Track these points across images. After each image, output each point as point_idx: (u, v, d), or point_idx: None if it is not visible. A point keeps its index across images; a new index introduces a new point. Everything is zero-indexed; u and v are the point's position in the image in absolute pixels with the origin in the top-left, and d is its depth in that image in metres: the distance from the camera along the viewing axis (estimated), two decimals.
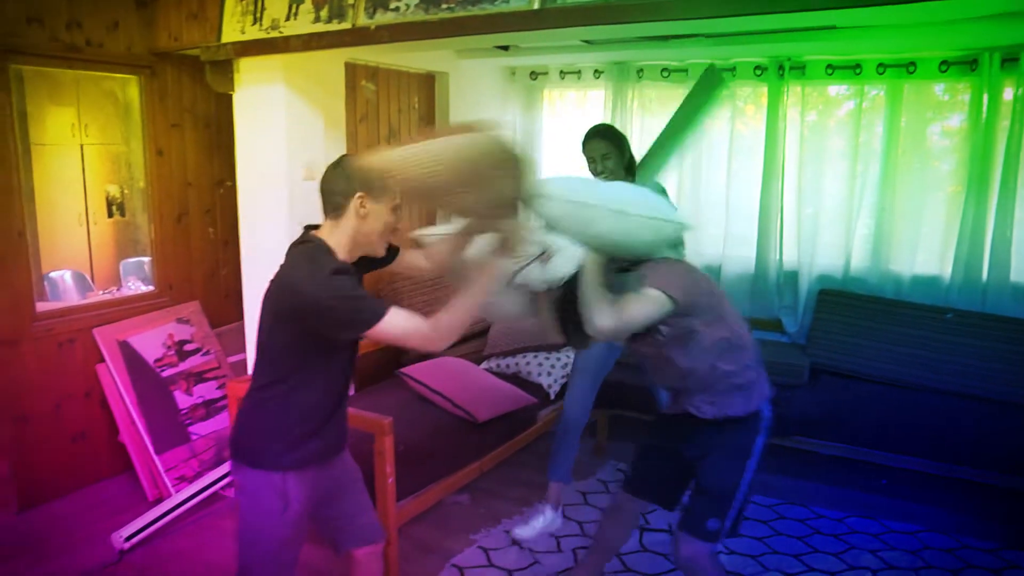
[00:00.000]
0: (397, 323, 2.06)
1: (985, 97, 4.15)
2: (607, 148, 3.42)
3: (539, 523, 3.54)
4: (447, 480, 3.49)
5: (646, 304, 2.33)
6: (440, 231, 2.72)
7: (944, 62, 4.23)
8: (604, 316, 2.32)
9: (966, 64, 4.19)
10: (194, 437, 3.99)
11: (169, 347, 4.09)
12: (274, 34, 3.28)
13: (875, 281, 4.62)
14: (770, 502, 3.95)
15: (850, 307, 4.55)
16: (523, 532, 3.53)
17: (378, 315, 2.03)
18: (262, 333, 2.18)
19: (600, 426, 4.48)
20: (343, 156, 2.22)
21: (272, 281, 2.15)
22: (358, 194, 2.11)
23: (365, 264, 2.29)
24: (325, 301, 2.02)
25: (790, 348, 4.68)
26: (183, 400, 4.03)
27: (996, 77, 4.11)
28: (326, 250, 2.12)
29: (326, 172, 2.18)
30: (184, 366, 4.11)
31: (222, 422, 4.10)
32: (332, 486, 2.35)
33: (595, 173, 3.44)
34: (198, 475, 3.87)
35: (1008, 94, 4.14)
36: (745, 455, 2.49)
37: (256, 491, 2.19)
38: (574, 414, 3.57)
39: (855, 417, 3.93)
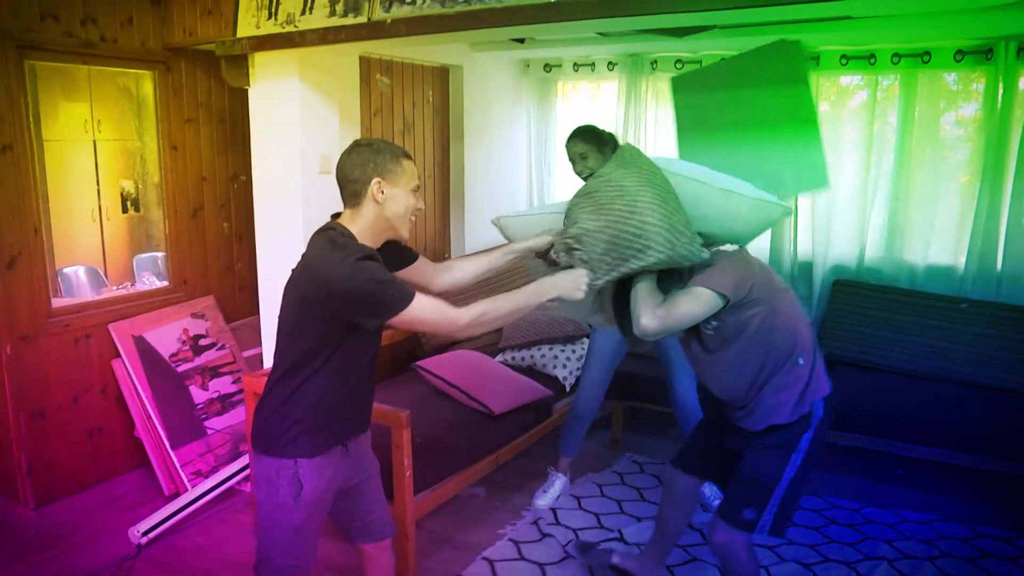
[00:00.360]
0: (426, 308, 2.08)
1: (1000, 86, 4.12)
2: (584, 148, 3.43)
3: (556, 490, 3.81)
4: (464, 473, 3.50)
5: (695, 303, 2.32)
6: (523, 213, 2.80)
7: (959, 51, 4.21)
8: (650, 316, 2.31)
9: (981, 53, 4.17)
10: (210, 432, 4.00)
11: (184, 342, 4.10)
12: (289, 28, 3.27)
13: (889, 271, 4.61)
14: None
15: (864, 297, 4.54)
16: (543, 501, 3.76)
17: (407, 299, 2.04)
18: (284, 321, 2.18)
19: (616, 418, 4.48)
20: (356, 142, 2.21)
21: (296, 268, 2.15)
22: (375, 179, 2.11)
23: (387, 258, 2.28)
24: (354, 285, 2.01)
25: None
26: (198, 395, 4.04)
27: (1012, 66, 4.09)
28: (349, 236, 2.12)
29: (340, 160, 2.18)
30: (199, 361, 4.12)
31: (238, 417, 4.12)
32: (349, 477, 2.34)
33: (577, 173, 3.47)
34: (214, 470, 3.89)
35: (1023, 84, 4.11)
36: (788, 449, 2.45)
37: (270, 478, 2.19)
38: (585, 403, 3.68)
39: (870, 407, 3.92)
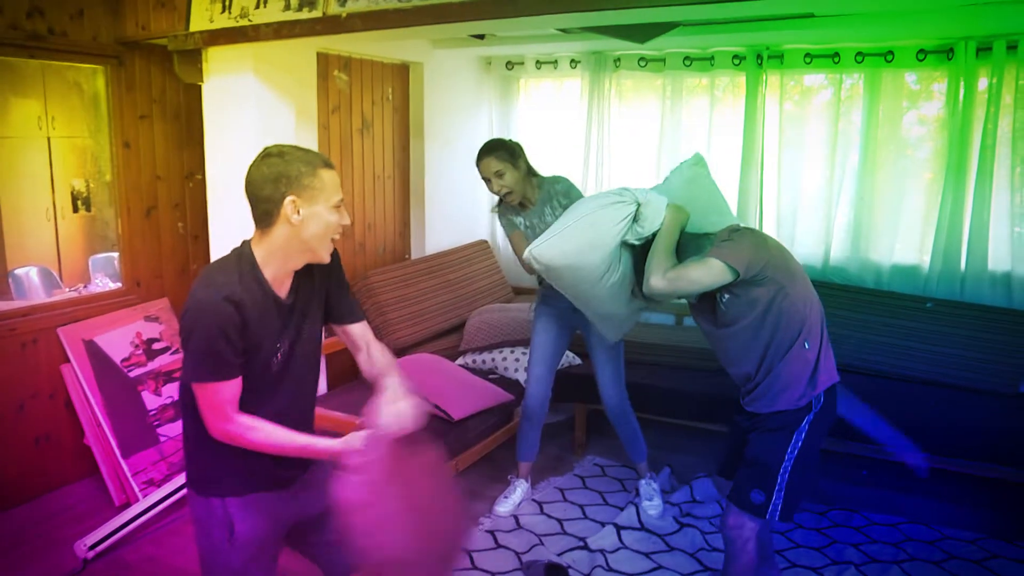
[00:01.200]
0: (214, 395, 1.82)
1: (961, 85, 4.13)
2: (500, 165, 3.39)
3: (517, 496, 3.75)
4: None
5: (705, 271, 2.43)
6: (551, 239, 2.79)
7: (921, 51, 4.22)
8: (659, 276, 2.49)
9: (943, 53, 4.18)
10: (163, 439, 3.88)
11: (137, 346, 3.98)
12: (243, 22, 3.18)
13: (855, 271, 4.60)
14: None
15: (830, 297, 4.47)
16: (503, 508, 3.70)
17: (208, 375, 1.80)
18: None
19: (579, 421, 4.42)
20: (266, 151, 1.89)
21: None
22: (289, 198, 1.82)
23: (330, 307, 2.12)
24: (189, 331, 1.80)
25: None
26: (151, 401, 3.92)
27: (971, 66, 4.10)
28: (247, 263, 1.88)
29: (248, 172, 1.87)
30: (153, 365, 4.00)
31: None
32: (300, 512, 2.13)
33: (495, 192, 3.47)
34: (167, 478, 3.77)
35: (983, 83, 4.12)
36: (790, 430, 2.51)
37: (200, 519, 2.02)
38: (534, 403, 3.65)
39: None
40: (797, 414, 2.52)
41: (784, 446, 2.50)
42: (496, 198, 3.56)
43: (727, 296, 2.51)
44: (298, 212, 1.83)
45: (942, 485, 3.75)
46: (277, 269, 1.91)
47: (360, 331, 2.22)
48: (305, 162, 1.85)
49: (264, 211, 1.85)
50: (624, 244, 2.76)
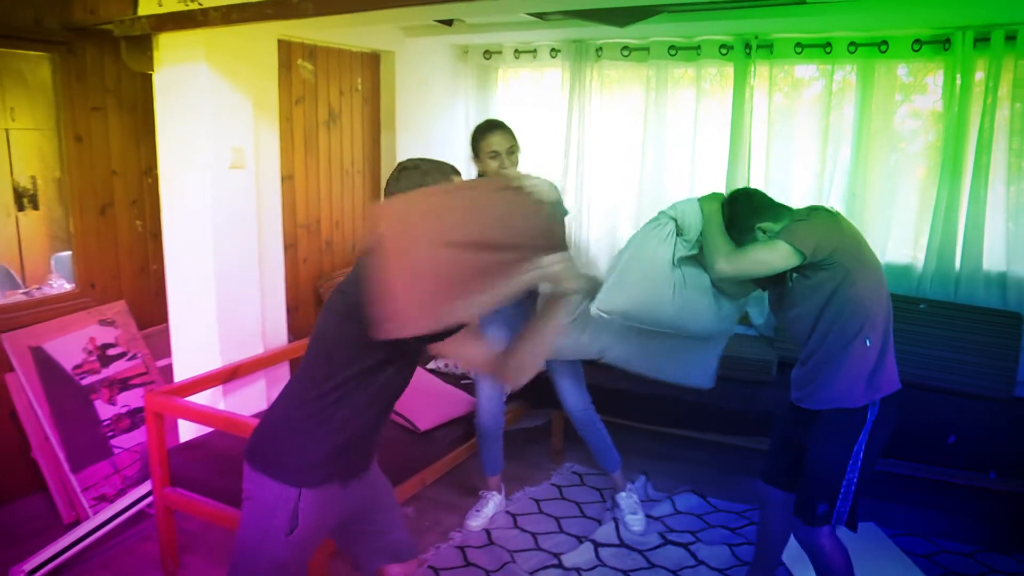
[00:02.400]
0: (472, 340, 2.03)
1: (958, 77, 3.95)
2: (513, 141, 3.20)
3: (489, 510, 3.60)
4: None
5: (771, 253, 2.44)
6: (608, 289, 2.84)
7: (917, 41, 4.04)
8: (724, 260, 2.54)
9: (939, 43, 4.00)
10: (117, 451, 3.67)
11: (90, 352, 3.76)
12: (192, 6, 2.98)
13: None
14: (739, 508, 3.76)
15: None
16: (475, 522, 3.54)
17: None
18: (326, 333, 2.02)
19: (555, 428, 4.25)
20: (402, 165, 2.04)
21: (346, 283, 2.02)
22: None
23: None
24: None
25: (757, 341, 4.46)
26: (105, 410, 3.70)
27: (968, 57, 3.92)
28: None
29: (387, 187, 2.03)
30: (107, 372, 3.78)
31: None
32: (357, 506, 2.21)
33: (498, 170, 3.17)
34: (120, 493, 3.56)
35: (979, 75, 3.95)
36: (850, 437, 2.45)
37: (267, 505, 2.02)
38: (487, 419, 3.50)
39: None
40: (854, 416, 2.45)
41: (845, 457, 2.45)
42: None
43: (795, 276, 2.50)
44: None
45: (936, 495, 3.59)
46: None
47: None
48: (440, 172, 2.00)
49: None
50: (683, 259, 2.79)
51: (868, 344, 2.43)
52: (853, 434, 2.45)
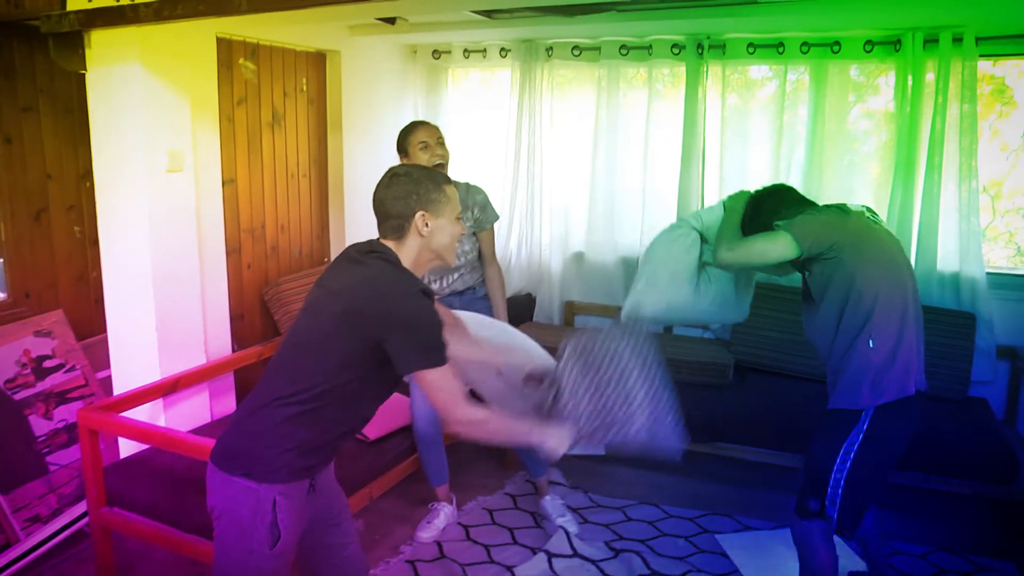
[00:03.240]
0: (449, 378, 1.95)
1: (909, 78, 3.97)
2: (440, 134, 3.29)
3: (440, 521, 3.53)
4: None
5: (770, 243, 2.54)
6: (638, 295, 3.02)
7: (868, 42, 4.06)
8: (726, 248, 2.65)
9: (890, 44, 4.03)
10: (53, 468, 3.51)
11: (25, 365, 3.59)
12: (124, 2, 2.84)
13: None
14: (692, 514, 3.71)
15: (777, 300, 4.32)
16: (427, 533, 3.47)
17: (444, 358, 1.94)
18: (308, 335, 2.02)
19: None
20: (393, 172, 2.12)
21: (334, 282, 2.04)
22: (419, 212, 2.04)
23: None
24: (420, 318, 1.92)
25: (714, 345, 4.44)
26: (40, 426, 3.54)
27: (919, 58, 3.94)
28: (402, 266, 2.05)
29: (378, 193, 2.10)
30: (43, 386, 3.62)
31: None
32: (322, 511, 2.19)
33: (429, 162, 3.22)
34: (56, 513, 3.40)
35: (930, 76, 3.97)
36: (841, 436, 2.45)
37: (244, 517, 1.98)
38: (424, 426, 3.39)
39: (782, 418, 3.71)
40: (847, 417, 2.45)
41: (833, 454, 2.45)
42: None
43: (807, 273, 2.58)
44: (427, 225, 2.05)
45: (891, 497, 3.59)
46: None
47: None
48: (431, 180, 2.09)
49: (396, 225, 2.06)
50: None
51: (871, 345, 2.40)
52: (842, 434, 2.44)
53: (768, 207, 2.70)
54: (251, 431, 2.02)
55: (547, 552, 3.31)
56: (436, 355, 1.93)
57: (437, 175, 2.13)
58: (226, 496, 2.01)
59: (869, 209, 2.69)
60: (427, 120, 3.34)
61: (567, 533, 3.43)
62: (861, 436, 2.42)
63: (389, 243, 2.08)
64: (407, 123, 3.39)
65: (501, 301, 3.50)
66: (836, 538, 2.59)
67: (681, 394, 3.82)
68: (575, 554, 3.31)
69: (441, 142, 3.28)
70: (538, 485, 3.61)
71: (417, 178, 2.07)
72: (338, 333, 1.95)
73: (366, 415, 2.14)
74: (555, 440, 2.10)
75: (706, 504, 3.79)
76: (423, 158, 3.21)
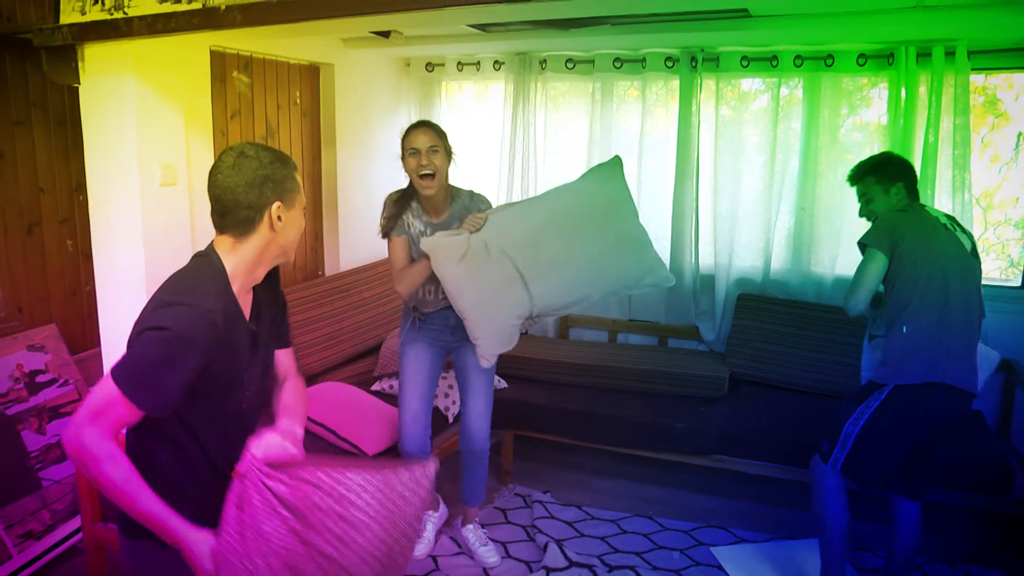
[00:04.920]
0: (120, 410, 1.59)
1: (903, 91, 4.01)
2: (437, 140, 2.98)
3: (429, 533, 3.48)
4: None
5: (869, 266, 2.79)
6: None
7: (862, 55, 4.10)
8: (849, 299, 2.86)
9: (883, 58, 4.07)
10: (46, 483, 3.49)
11: (17, 379, 3.57)
12: (117, 15, 2.85)
13: (796, 284, 4.44)
14: (687, 526, 3.70)
15: (771, 312, 4.33)
16: (420, 548, 3.40)
17: (132, 387, 1.58)
18: None
19: (505, 448, 4.15)
20: (240, 152, 1.77)
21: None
22: (275, 203, 1.75)
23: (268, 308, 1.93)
24: (146, 322, 1.62)
25: (708, 357, 4.45)
26: (33, 441, 3.52)
27: (912, 71, 3.98)
28: (221, 278, 1.74)
29: (221, 178, 1.74)
30: (36, 400, 3.60)
31: None
32: None
33: (417, 170, 2.97)
34: (49, 529, 3.38)
35: (923, 89, 4.01)
36: (861, 400, 2.85)
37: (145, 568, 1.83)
38: (412, 444, 3.28)
39: (777, 431, 3.71)
40: (872, 388, 2.81)
41: (851, 411, 2.85)
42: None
43: None
44: (280, 218, 1.76)
45: (871, 506, 3.61)
46: (243, 284, 1.80)
47: (285, 359, 2.05)
48: (281, 162, 1.78)
49: (245, 218, 1.74)
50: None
51: (904, 331, 2.73)
52: (863, 398, 2.83)
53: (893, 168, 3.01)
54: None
55: (546, 567, 3.29)
56: (129, 374, 1.59)
57: (284, 156, 1.82)
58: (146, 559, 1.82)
59: (950, 217, 2.95)
60: (435, 124, 3.08)
61: (559, 544, 3.42)
62: (877, 403, 2.77)
63: (224, 242, 1.78)
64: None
65: None
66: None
67: (676, 407, 3.88)
68: (570, 564, 3.30)
69: (435, 150, 2.96)
70: (466, 512, 3.50)
71: (271, 160, 1.77)
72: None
73: (227, 459, 1.80)
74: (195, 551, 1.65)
75: (701, 516, 3.79)
76: (410, 165, 2.98)
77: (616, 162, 3.23)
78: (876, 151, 4.19)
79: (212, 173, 1.77)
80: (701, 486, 4.09)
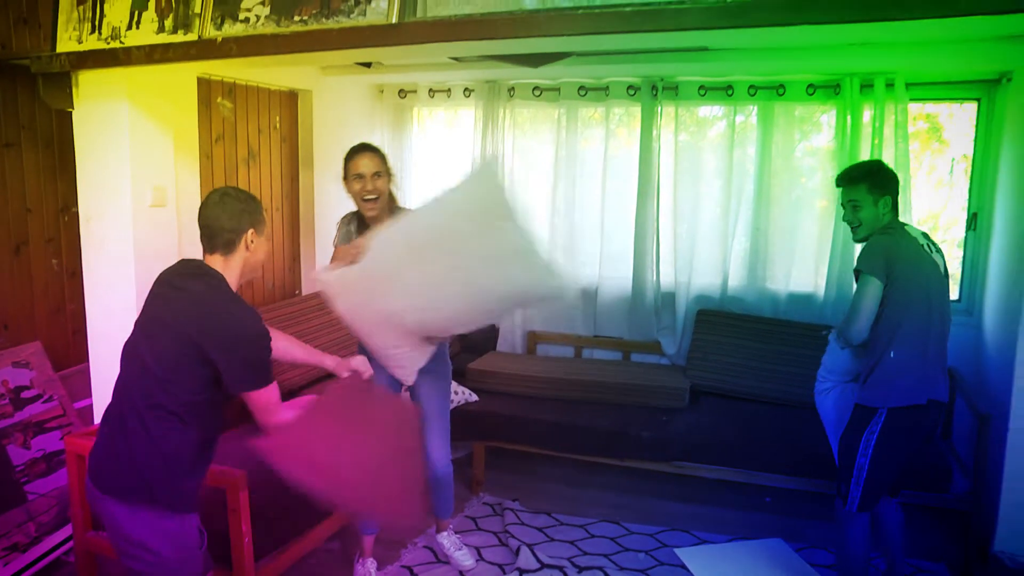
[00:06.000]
0: (272, 394, 2.22)
1: (848, 119, 4.27)
2: (380, 166, 3.08)
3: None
4: (314, 530, 3.27)
5: (866, 292, 2.80)
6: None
7: (811, 85, 4.36)
8: (851, 328, 2.85)
9: (830, 88, 4.33)
10: (32, 497, 3.57)
11: (3, 395, 3.67)
12: (114, 44, 3.00)
13: (752, 300, 4.66)
14: (652, 530, 3.88)
15: (728, 327, 4.55)
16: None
17: (271, 378, 2.20)
18: (164, 361, 2.16)
19: (476, 459, 4.31)
20: (224, 192, 2.30)
21: (174, 305, 2.21)
22: (250, 230, 2.26)
23: None
24: (255, 342, 2.15)
25: (670, 370, 4.65)
26: (19, 455, 3.60)
27: (856, 100, 4.25)
28: (229, 287, 2.25)
29: (210, 209, 2.26)
30: (21, 416, 3.69)
31: (66, 477, 3.70)
32: None
33: (360, 193, 3.08)
34: (35, 541, 3.46)
35: (867, 115, 4.28)
36: (861, 429, 2.87)
37: (175, 534, 2.23)
38: None
39: (736, 438, 3.91)
40: (867, 412, 2.86)
41: (856, 443, 2.88)
42: (344, 211, 3.31)
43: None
44: (253, 241, 2.28)
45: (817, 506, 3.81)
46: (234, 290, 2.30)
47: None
48: (255, 201, 2.33)
49: (228, 240, 2.25)
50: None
51: (892, 356, 2.80)
52: (863, 427, 2.86)
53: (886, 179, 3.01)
54: (145, 459, 2.20)
55: (520, 569, 3.45)
56: (266, 377, 2.19)
57: (256, 197, 2.34)
58: (154, 522, 2.21)
59: (926, 235, 3.02)
60: (377, 148, 3.16)
61: (530, 548, 3.58)
62: (878, 429, 2.83)
63: (217, 259, 2.27)
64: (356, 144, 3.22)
65: None
66: None
67: (639, 417, 4.06)
68: (542, 566, 3.46)
69: (379, 174, 3.06)
70: (438, 523, 3.59)
71: (246, 199, 2.30)
72: (185, 357, 2.15)
73: (217, 436, 2.36)
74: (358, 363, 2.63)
75: (665, 520, 3.97)
76: (355, 188, 3.07)
77: (489, 167, 3.09)
78: (828, 174, 4.45)
79: (202, 207, 2.28)
80: (665, 492, 4.27)
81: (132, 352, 2.28)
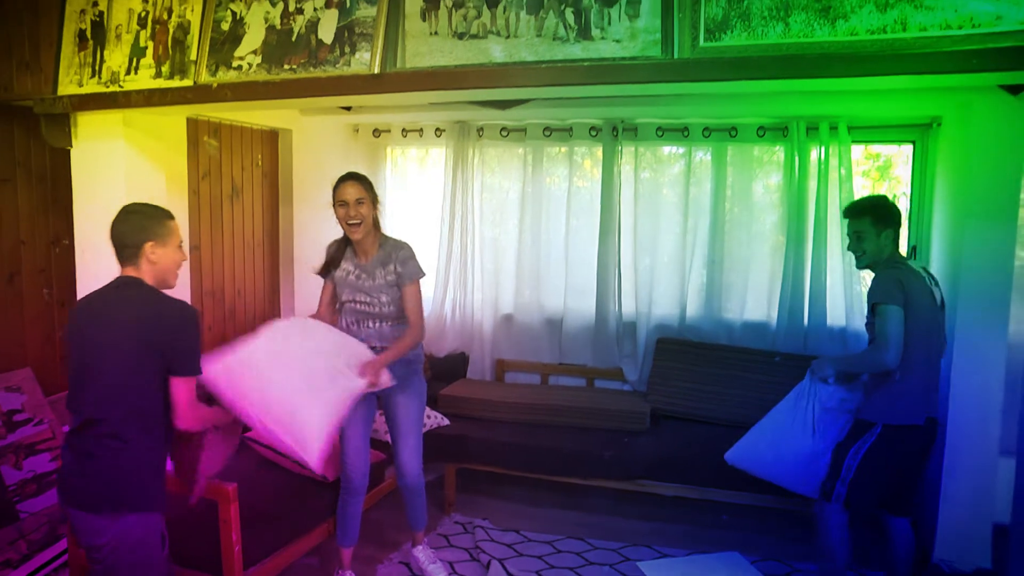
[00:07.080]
0: (194, 387, 2.46)
1: (796, 159, 4.53)
2: (363, 193, 3.34)
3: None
4: (296, 543, 3.41)
5: (892, 319, 2.98)
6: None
7: (761, 127, 4.61)
8: (889, 353, 2.97)
9: (779, 130, 4.59)
10: (23, 515, 3.72)
11: None
12: (114, 88, 3.22)
13: (709, 328, 4.87)
14: (615, 545, 4.06)
15: (687, 354, 4.77)
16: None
17: (200, 367, 2.50)
18: (120, 368, 2.38)
19: (448, 480, 4.48)
20: (127, 209, 2.52)
21: (123, 314, 2.42)
22: (148, 243, 2.46)
23: None
24: (193, 320, 2.44)
25: (631, 396, 4.86)
26: (11, 475, 3.75)
27: (803, 142, 4.51)
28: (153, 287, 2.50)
29: (115, 226, 2.48)
30: (13, 438, 3.84)
31: (56, 497, 3.85)
32: None
33: (345, 219, 3.34)
34: (26, 559, 3.58)
35: (815, 155, 4.54)
36: (857, 436, 3.13)
37: (142, 539, 2.41)
38: (359, 477, 3.51)
39: (694, 458, 4.09)
40: (866, 426, 3.11)
41: (849, 447, 3.13)
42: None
43: (872, 315, 3.13)
44: (155, 252, 2.48)
45: (792, 524, 4.02)
46: None
47: None
48: (157, 216, 2.52)
49: (132, 253, 2.47)
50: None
51: (896, 377, 3.05)
52: (859, 436, 3.12)
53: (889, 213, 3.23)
54: (114, 467, 2.39)
55: None
56: (198, 365, 2.46)
57: (162, 211, 2.54)
58: (121, 528, 2.39)
59: (925, 269, 3.26)
60: (362, 176, 3.40)
61: (500, 563, 3.76)
62: (872, 439, 3.08)
63: (130, 271, 2.50)
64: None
65: (395, 350, 3.29)
66: None
67: (602, 439, 4.25)
68: None
69: (362, 201, 3.29)
70: (414, 536, 3.75)
71: (150, 213, 2.51)
72: (141, 364, 2.37)
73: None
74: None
75: (627, 536, 4.15)
76: (340, 214, 3.35)
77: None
78: (780, 211, 4.74)
79: (111, 225, 2.49)
80: (627, 510, 4.46)
81: (79, 379, 2.45)
